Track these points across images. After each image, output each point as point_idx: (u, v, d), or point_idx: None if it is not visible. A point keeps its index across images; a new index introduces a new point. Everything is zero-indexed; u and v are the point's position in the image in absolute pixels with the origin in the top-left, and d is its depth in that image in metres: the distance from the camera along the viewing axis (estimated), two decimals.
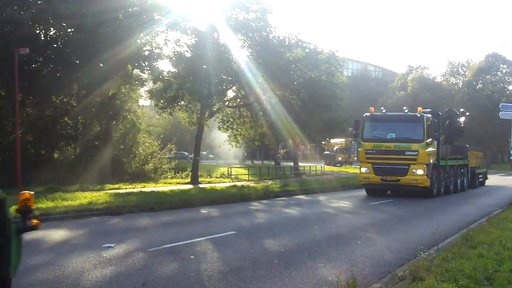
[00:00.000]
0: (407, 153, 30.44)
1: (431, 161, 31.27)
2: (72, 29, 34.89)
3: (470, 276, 9.96)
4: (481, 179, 46.49)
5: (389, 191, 33.08)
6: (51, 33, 36.24)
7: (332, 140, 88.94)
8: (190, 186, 35.96)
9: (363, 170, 31.93)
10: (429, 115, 31.84)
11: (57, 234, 16.03)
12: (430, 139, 30.83)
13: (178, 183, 39.74)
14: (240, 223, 19.51)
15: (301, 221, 20.23)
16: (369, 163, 31.59)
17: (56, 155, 39.25)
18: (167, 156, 52.07)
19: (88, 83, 35.66)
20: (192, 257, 12.88)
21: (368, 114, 32.59)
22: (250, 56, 41.25)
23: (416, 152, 30.28)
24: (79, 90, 39.07)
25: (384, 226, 19.67)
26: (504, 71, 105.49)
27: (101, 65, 33.29)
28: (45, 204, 20.62)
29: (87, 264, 11.78)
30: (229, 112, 46.50)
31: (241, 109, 46.22)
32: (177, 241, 14.76)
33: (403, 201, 29.14)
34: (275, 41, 42.32)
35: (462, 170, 38.85)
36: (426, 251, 12.82)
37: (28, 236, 15.78)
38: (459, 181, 37.78)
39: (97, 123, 41.13)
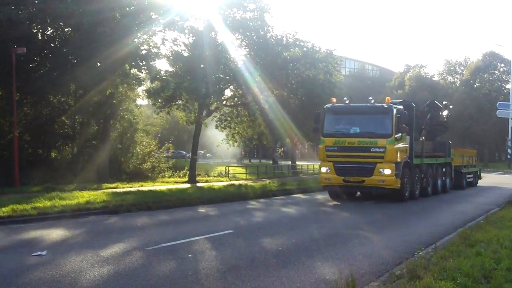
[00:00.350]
0: (372, 150, 26.75)
1: (402, 159, 27.43)
2: (70, 29, 34.84)
3: (468, 274, 9.97)
4: (470, 179, 43.04)
5: (359, 193, 30.37)
6: (48, 33, 36.18)
7: None
8: (187, 185, 35.97)
9: (324, 170, 28.18)
10: (399, 107, 28.23)
11: (54, 233, 16.02)
12: (400, 134, 27.07)
13: (176, 182, 39.73)
14: (237, 222, 19.51)
15: (299, 220, 20.25)
16: (330, 162, 27.79)
17: (53, 155, 39.23)
18: (164, 155, 52.08)
19: (85, 83, 35.60)
20: (189, 256, 12.87)
21: (329, 105, 28.81)
22: (248, 55, 41.27)
23: (383, 149, 26.56)
24: (77, 90, 39.04)
25: (381, 224, 19.71)
26: (501, 69, 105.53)
27: (99, 64, 33.25)
28: (43, 203, 20.59)
29: (85, 263, 11.78)
30: (226, 111, 46.50)
31: (239, 108, 46.23)
32: (174, 240, 14.76)
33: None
34: (272, 40, 42.34)
35: (443, 170, 35.25)
36: (424, 250, 12.82)
37: (27, 235, 15.81)
38: (439, 182, 34.07)
39: (95, 122, 41.12)
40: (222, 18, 39.11)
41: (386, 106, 27.15)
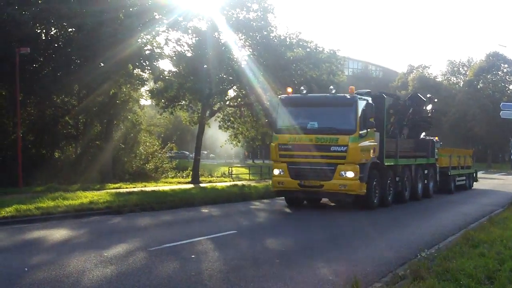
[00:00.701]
0: (333, 148, 22.75)
1: (369, 159, 23.59)
2: (73, 29, 34.88)
3: (471, 275, 9.96)
4: (461, 182, 38.94)
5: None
6: (52, 33, 36.23)
7: None
8: (191, 186, 35.99)
9: (276, 172, 24.14)
10: (366, 98, 24.45)
11: (58, 234, 16.04)
12: (366, 130, 23.26)
13: (179, 183, 39.74)
14: (241, 222, 19.52)
15: (302, 221, 20.23)
16: (283, 163, 23.81)
17: (57, 155, 39.30)
18: (167, 156, 52.13)
19: (89, 83, 35.67)
20: (193, 256, 12.88)
21: (283, 96, 25.29)
22: (251, 56, 41.25)
23: (345, 147, 22.56)
24: (80, 90, 39.10)
25: (384, 225, 19.72)
26: (505, 70, 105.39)
27: (102, 64, 33.29)
28: (46, 203, 20.61)
29: (88, 263, 11.78)
30: (230, 112, 46.49)
31: (242, 109, 46.20)
32: (177, 240, 14.76)
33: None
34: (276, 40, 42.30)
35: (425, 171, 30.85)
36: (427, 250, 12.82)
37: (30, 235, 15.83)
38: (419, 186, 29.79)
39: (98, 122, 41.17)
40: (225, 19, 39.11)
41: (349, 97, 23.32)
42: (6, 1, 30.47)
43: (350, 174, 22.62)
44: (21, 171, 29.26)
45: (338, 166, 22.70)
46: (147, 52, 36.05)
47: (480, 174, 64.33)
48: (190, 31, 38.60)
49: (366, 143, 23.43)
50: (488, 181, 49.61)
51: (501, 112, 31.95)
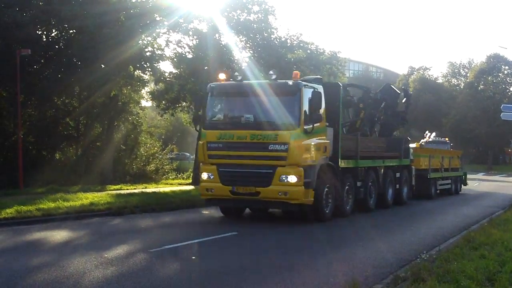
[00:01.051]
0: (271, 147, 18.48)
1: (317, 160, 19.27)
2: (74, 31, 34.93)
3: (471, 277, 9.96)
4: (446, 186, 35.13)
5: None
6: (52, 34, 36.27)
7: None
8: (191, 187, 35.94)
9: (205, 176, 19.62)
10: (315, 85, 19.89)
11: (58, 235, 16.05)
12: (312, 125, 18.90)
13: (180, 184, 39.74)
14: (241, 224, 19.50)
15: (301, 222, 20.22)
16: (213, 165, 19.39)
17: (57, 156, 39.28)
18: (168, 157, 52.13)
19: (89, 84, 35.71)
20: (193, 257, 12.91)
21: (213, 84, 20.63)
22: (252, 57, 41.29)
23: (286, 146, 18.25)
24: (81, 91, 39.12)
25: (385, 228, 19.74)
26: (505, 72, 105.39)
27: (103, 66, 33.33)
28: (47, 204, 20.61)
29: (89, 264, 11.79)
30: None
31: None
32: (178, 241, 14.77)
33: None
34: (276, 42, 42.31)
35: (397, 174, 26.85)
36: (427, 252, 12.82)
37: (31, 237, 15.84)
38: (390, 191, 25.93)
39: (99, 124, 41.17)
40: (226, 20, 39.12)
41: (291, 84, 19.03)
42: (7, 3, 30.50)
43: (292, 179, 18.26)
44: (22, 173, 29.28)
45: (277, 169, 18.33)
46: (148, 53, 36.09)
47: (480, 176, 64.59)
48: (191, 33, 38.63)
49: (313, 140, 19.16)
50: (489, 183, 49.43)
51: (502, 114, 31.51)
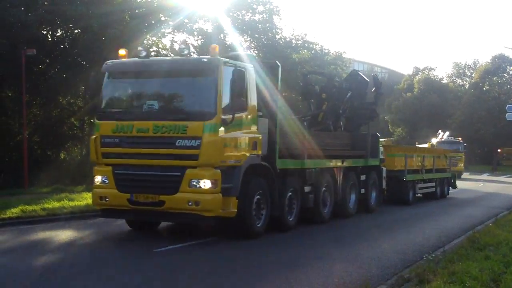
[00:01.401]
0: (179, 142, 14.27)
1: (242, 160, 14.86)
2: (79, 30, 34.99)
3: (476, 278, 9.95)
4: (430, 190, 30.88)
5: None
6: (58, 34, 36.34)
7: None
8: None
9: (98, 180, 15.46)
10: (237, 63, 15.37)
11: (63, 235, 16.07)
12: (231, 115, 14.43)
13: None
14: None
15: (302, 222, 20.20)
16: (107, 166, 15.20)
17: (62, 156, 39.35)
18: None
19: (94, 84, 35.79)
20: (201, 257, 12.93)
21: (109, 63, 16.29)
22: (257, 58, 41.35)
23: (198, 141, 14.09)
24: (86, 91, 39.18)
25: (389, 228, 19.73)
26: (511, 72, 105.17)
27: None
28: (52, 204, 20.65)
29: (94, 264, 11.82)
30: None
31: None
32: (185, 242, 14.82)
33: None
34: (281, 42, 42.42)
35: (363, 177, 22.62)
36: (432, 253, 12.81)
37: (36, 236, 15.86)
38: (352, 197, 21.49)
39: None
40: (230, 20, 39.21)
41: (206, 61, 14.78)
42: (12, 3, 30.56)
43: (205, 184, 13.98)
44: (27, 172, 29.33)
45: (187, 171, 14.11)
46: (153, 53, 36.15)
47: (485, 177, 64.40)
48: (195, 33, 38.73)
49: (236, 134, 14.75)
50: (494, 184, 49.22)
51: (507, 114, 31.09)
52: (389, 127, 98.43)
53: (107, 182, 15.05)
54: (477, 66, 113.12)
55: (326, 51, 47.95)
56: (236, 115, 14.47)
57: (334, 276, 11.17)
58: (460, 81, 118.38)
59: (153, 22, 34.69)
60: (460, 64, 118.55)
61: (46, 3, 32.59)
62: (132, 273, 11.13)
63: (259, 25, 40.50)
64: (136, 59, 15.92)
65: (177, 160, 14.31)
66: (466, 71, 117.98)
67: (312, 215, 18.82)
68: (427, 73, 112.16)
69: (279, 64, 17.73)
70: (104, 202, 15.25)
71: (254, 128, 15.54)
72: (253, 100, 15.53)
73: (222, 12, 39.27)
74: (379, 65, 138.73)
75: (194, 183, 14.01)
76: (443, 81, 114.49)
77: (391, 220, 21.88)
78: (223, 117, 14.20)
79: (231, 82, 14.36)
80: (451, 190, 32.43)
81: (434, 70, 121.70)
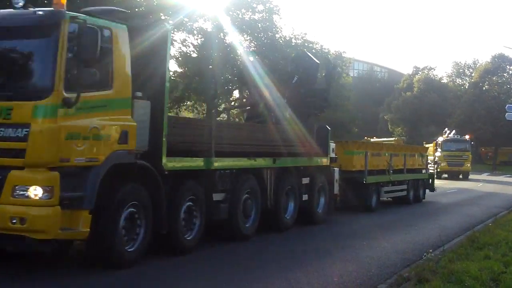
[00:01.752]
0: (1, 132, 9.90)
1: (103, 157, 10.45)
2: None
3: (476, 277, 9.96)
4: (400, 193, 26.68)
5: None
6: None
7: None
8: None
9: None
10: (89, 18, 10.37)
11: None
12: (78, 93, 9.82)
13: None
14: None
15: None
16: None
17: None
18: None
19: None
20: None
21: None
22: (256, 57, 41.32)
23: (25, 130, 9.73)
24: None
25: (389, 227, 19.73)
26: (510, 72, 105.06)
27: None
28: None
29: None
30: (235, 113, 46.56)
31: (247, 108, 46.22)
32: None
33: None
34: (281, 41, 42.33)
35: (305, 180, 18.17)
36: (432, 252, 12.82)
37: None
38: (290, 206, 17.20)
39: None
40: (230, 19, 39.15)
41: (42, 14, 10.33)
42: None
43: (35, 192, 9.60)
44: None
45: (10, 173, 9.75)
46: None
47: (485, 176, 64.40)
48: (195, 32, 38.68)
49: (89, 120, 10.33)
50: (493, 184, 49.13)
51: (507, 114, 30.86)
52: (389, 127, 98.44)
53: None
54: (477, 65, 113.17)
55: (326, 50, 47.92)
56: (95, 94, 10.41)
57: (333, 276, 11.18)
58: (460, 80, 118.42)
59: (153, 21, 34.64)
60: (460, 64, 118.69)
61: (46, 1, 32.51)
62: None
63: (259, 24, 40.45)
64: None
65: None
66: (466, 70, 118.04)
67: (229, 229, 14.64)
68: (426, 72, 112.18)
69: (169, 27, 12.91)
70: None
71: (125, 113, 11.12)
72: (123, 73, 11.07)
73: (222, 11, 39.23)
74: (379, 64, 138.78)
75: (20, 191, 9.65)
76: (442, 81, 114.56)
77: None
78: (66, 95, 9.81)
79: (79, 45, 9.98)
80: (431, 193, 30.09)
81: (434, 69, 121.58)
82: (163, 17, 35.57)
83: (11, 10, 10.73)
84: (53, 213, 9.56)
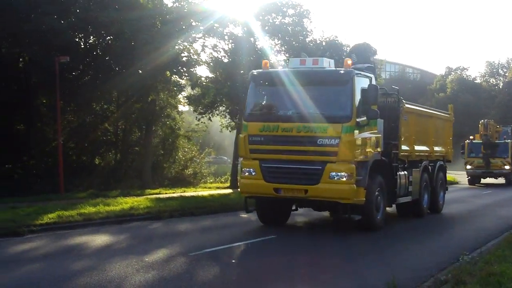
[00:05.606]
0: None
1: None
2: (111, 37, 35.35)
3: None
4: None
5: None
6: (90, 41, 36.74)
7: None
8: (229, 191, 36.04)
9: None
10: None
11: (99, 239, 16.23)
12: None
13: (218, 188, 39.83)
14: (280, 228, 19.48)
15: (340, 226, 20.17)
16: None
17: (97, 161, 39.76)
18: (206, 161, 52.42)
19: (127, 90, 36.21)
20: (233, 261, 12.96)
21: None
22: (287, 61, 41.31)
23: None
24: (119, 97, 39.56)
25: (425, 229, 19.57)
26: None
27: (140, 71, 33.65)
28: (88, 209, 20.81)
29: (130, 268, 11.92)
30: None
31: None
32: (217, 245, 14.82)
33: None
34: (311, 44, 42.26)
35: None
36: (468, 254, 12.70)
37: (73, 241, 16.02)
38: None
39: (137, 129, 41.60)
40: (260, 24, 39.21)
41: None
42: (44, 11, 30.95)
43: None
44: (63, 178, 29.68)
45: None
46: (184, 58, 36.35)
47: None
48: (226, 37, 38.80)
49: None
50: None
51: None
52: None
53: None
54: (511, 64, 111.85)
55: None
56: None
57: (370, 278, 11.14)
58: (494, 80, 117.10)
59: (183, 27, 34.86)
60: (493, 63, 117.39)
61: (78, 10, 32.97)
62: (170, 276, 11.20)
63: (289, 28, 40.46)
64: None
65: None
66: (500, 70, 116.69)
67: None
68: (459, 73, 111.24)
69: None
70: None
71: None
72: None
73: (252, 16, 39.31)
74: (411, 65, 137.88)
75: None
76: (476, 81, 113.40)
77: (428, 222, 21.41)
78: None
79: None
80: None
81: (467, 70, 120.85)
82: (193, 23, 35.89)
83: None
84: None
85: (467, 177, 46.53)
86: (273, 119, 17.71)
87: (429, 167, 23.35)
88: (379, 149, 18.26)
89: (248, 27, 38.90)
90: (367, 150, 17.47)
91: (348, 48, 46.05)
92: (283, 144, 17.42)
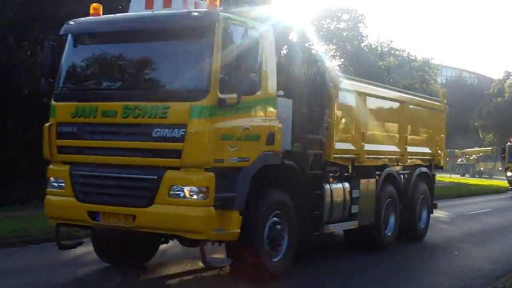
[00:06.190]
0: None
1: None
2: None
3: None
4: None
5: None
6: None
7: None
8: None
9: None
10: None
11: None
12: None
13: None
14: None
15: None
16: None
17: None
18: None
19: None
20: None
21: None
22: (342, 66, 41.26)
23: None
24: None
25: (481, 236, 19.25)
26: None
27: None
28: None
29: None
30: None
31: None
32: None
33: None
34: (366, 49, 42.17)
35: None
36: None
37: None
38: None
39: None
40: (315, 29, 39.29)
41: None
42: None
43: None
44: None
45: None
46: None
47: None
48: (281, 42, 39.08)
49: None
50: None
51: None
52: (479, 133, 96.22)
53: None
54: None
55: (413, 57, 47.40)
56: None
57: (425, 286, 11.09)
58: None
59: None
60: None
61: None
62: None
63: (344, 33, 40.46)
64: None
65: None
66: None
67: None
68: None
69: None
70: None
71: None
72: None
73: (307, 21, 39.44)
74: (468, 70, 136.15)
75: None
76: None
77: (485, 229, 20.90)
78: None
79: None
80: None
81: None
82: None
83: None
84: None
85: (509, 186, 40.17)
86: (90, 97, 10.29)
87: (400, 176, 15.51)
88: (276, 148, 10.51)
89: (303, 32, 39.10)
90: (244, 148, 9.96)
91: (404, 53, 45.81)
92: (103, 137, 10.11)
